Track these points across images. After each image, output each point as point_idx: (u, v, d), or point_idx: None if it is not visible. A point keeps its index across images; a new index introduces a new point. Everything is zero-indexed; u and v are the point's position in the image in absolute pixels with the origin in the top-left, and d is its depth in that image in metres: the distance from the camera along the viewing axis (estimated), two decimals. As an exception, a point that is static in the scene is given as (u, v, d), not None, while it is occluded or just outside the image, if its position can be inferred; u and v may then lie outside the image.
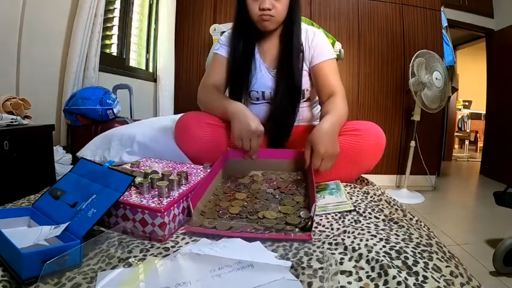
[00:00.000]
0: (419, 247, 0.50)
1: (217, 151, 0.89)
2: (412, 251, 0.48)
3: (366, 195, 0.78)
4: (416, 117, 2.52)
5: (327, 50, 1.04)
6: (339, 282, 0.42)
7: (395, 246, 0.49)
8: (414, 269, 0.44)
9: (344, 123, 0.91)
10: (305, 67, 1.05)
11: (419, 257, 0.46)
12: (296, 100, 1.05)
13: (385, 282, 0.41)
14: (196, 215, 0.63)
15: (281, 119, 1.05)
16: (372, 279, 0.42)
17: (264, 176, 0.88)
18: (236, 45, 1.04)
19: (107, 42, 2.10)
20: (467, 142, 5.29)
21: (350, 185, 0.87)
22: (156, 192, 0.60)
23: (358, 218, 0.64)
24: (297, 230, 0.57)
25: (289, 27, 1.01)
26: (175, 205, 0.57)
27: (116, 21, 2.12)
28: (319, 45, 1.04)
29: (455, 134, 5.22)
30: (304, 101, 1.11)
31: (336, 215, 0.66)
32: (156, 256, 0.48)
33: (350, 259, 0.48)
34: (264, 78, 1.06)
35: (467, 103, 5.51)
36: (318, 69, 1.03)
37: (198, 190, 0.66)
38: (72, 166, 0.98)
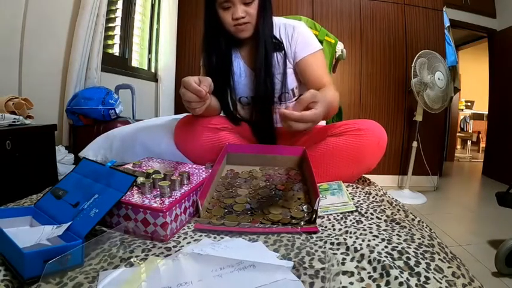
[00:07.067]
0: (421, 248, 0.50)
1: (217, 154, 0.88)
2: (414, 251, 0.48)
3: (367, 195, 0.78)
4: (419, 117, 2.51)
5: (311, 42, 0.99)
6: (340, 283, 0.42)
7: (397, 247, 0.49)
8: (416, 269, 0.43)
9: (333, 112, 0.89)
10: (289, 65, 1.01)
11: (421, 258, 0.46)
12: (272, 102, 1.00)
13: (387, 283, 0.41)
14: (203, 212, 0.64)
15: (262, 122, 1.03)
16: (374, 280, 0.42)
17: (262, 171, 0.89)
18: (211, 57, 0.98)
19: (109, 42, 2.11)
20: (469, 142, 5.28)
21: (352, 186, 0.87)
22: (158, 192, 0.60)
23: (360, 218, 0.64)
24: (302, 223, 0.60)
25: (260, 27, 0.94)
26: (177, 205, 0.57)
27: (118, 22, 2.13)
28: (300, 39, 0.98)
29: (458, 134, 5.19)
30: (294, 101, 1.08)
31: (338, 216, 0.66)
32: (158, 256, 0.48)
33: (352, 259, 0.47)
34: (251, 83, 1.02)
35: (469, 103, 5.49)
36: (303, 65, 0.98)
37: (205, 188, 0.66)
38: (74, 166, 0.98)
